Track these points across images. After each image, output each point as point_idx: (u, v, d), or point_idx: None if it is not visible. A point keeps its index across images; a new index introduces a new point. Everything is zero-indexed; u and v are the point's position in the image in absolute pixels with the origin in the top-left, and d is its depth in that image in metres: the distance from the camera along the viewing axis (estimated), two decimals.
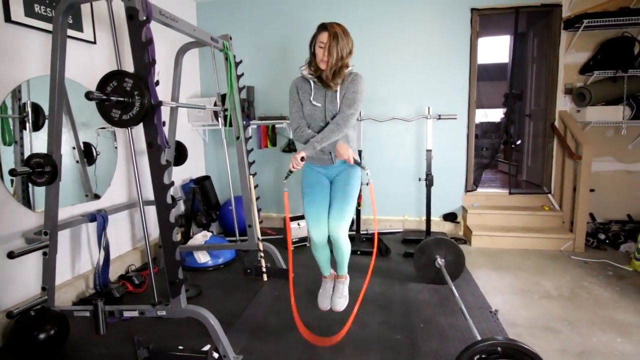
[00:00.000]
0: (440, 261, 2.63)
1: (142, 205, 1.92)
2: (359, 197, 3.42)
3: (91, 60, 2.67)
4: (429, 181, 3.27)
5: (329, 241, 2.09)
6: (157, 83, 1.77)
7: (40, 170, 1.87)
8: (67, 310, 2.02)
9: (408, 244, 3.59)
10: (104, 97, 1.62)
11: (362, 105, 2.08)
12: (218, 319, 1.89)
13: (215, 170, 4.29)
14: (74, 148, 2.97)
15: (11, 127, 2.44)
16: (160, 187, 1.81)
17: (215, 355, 1.85)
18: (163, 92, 2.94)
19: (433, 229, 3.85)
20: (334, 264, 2.28)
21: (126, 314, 1.96)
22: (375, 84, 3.79)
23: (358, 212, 3.61)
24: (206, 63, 4.11)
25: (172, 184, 1.84)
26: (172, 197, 3.05)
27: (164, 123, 1.80)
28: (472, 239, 3.55)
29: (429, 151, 3.29)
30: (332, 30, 1.88)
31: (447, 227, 3.95)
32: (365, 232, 3.89)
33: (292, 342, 2.03)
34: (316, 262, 2.26)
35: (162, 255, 3.11)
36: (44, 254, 2.00)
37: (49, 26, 2.28)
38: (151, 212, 3.05)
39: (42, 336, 1.85)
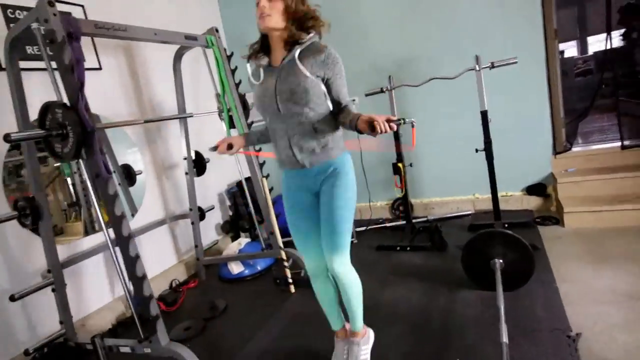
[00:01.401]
0: (498, 262, 1.99)
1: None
2: (402, 179, 2.88)
3: (101, 86, 2.69)
4: (488, 151, 2.53)
5: None
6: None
7: (25, 213, 1.91)
8: (80, 344, 2.07)
9: (476, 231, 2.89)
10: (24, 137, 1.51)
11: None
12: (228, 344, 1.83)
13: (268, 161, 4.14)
14: (114, 171, 3.13)
15: None
16: (116, 218, 1.66)
17: None
18: (187, 102, 2.88)
19: (514, 206, 3.07)
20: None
21: (122, 349, 1.91)
22: (408, 40, 3.12)
23: (405, 197, 3.05)
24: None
25: (123, 215, 1.67)
26: (200, 208, 3.05)
27: (100, 150, 1.62)
28: (565, 218, 2.69)
29: (484, 113, 2.54)
30: None
31: (533, 203, 3.09)
32: (424, 219, 3.31)
33: None
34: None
35: (201, 268, 3.15)
36: (53, 290, 2.06)
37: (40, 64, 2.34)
38: (187, 226, 3.05)
39: None
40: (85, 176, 1.80)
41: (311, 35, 1.43)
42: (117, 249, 1.77)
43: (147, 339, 1.79)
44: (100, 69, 2.70)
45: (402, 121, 1.32)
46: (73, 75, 1.56)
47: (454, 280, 2.24)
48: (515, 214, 3.05)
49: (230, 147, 1.63)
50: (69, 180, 3.02)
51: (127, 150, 3.02)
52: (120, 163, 3.05)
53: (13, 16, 2.24)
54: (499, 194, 3.03)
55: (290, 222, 1.63)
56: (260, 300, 2.55)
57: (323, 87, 1.42)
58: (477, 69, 2.47)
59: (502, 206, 3.06)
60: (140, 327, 1.82)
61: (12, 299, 1.91)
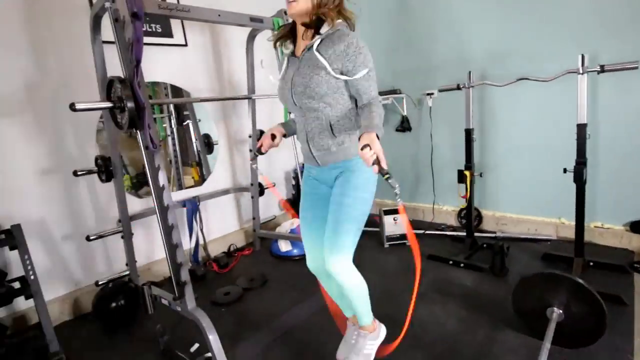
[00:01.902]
0: (556, 312, 1.57)
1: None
2: (467, 189, 2.47)
3: (185, 62, 2.81)
4: (578, 174, 1.98)
5: None
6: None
7: (102, 170, 2.09)
8: (138, 287, 2.26)
9: (550, 262, 2.36)
10: (87, 107, 1.60)
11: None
12: (260, 315, 1.84)
13: None
14: (196, 139, 3.34)
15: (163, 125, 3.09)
16: (158, 189, 1.70)
17: None
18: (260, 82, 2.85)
19: (610, 242, 2.45)
20: None
21: (162, 301, 2.02)
22: (499, 32, 2.57)
23: (469, 208, 2.61)
24: None
25: (164, 187, 1.70)
26: (260, 185, 3.05)
27: (149, 125, 1.65)
28: None
29: (581, 127, 1.97)
30: None
31: (636, 243, 2.39)
32: (492, 234, 2.84)
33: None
34: None
35: (256, 239, 3.20)
36: (122, 237, 2.27)
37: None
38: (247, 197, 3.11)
39: (113, 305, 2.14)
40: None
41: (338, 22, 1.22)
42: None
43: (179, 299, 1.86)
44: (186, 45, 2.80)
45: (386, 176, 1.03)
46: (132, 53, 1.59)
47: (502, 316, 1.85)
48: (609, 252, 2.40)
49: (273, 137, 1.51)
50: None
51: (208, 121, 3.16)
52: (202, 132, 3.23)
53: None
54: (592, 224, 2.44)
55: (300, 212, 1.50)
56: (301, 280, 2.47)
57: (342, 82, 1.23)
58: (581, 71, 1.90)
59: (594, 239, 2.47)
60: (176, 287, 1.89)
61: (87, 239, 2.16)
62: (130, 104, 1.61)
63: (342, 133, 1.29)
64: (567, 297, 1.55)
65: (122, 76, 1.64)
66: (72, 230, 2.33)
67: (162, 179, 1.69)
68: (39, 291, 1.94)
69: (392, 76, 3.31)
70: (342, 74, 1.21)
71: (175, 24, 2.73)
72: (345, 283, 1.36)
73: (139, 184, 3.24)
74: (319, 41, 1.22)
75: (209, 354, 1.66)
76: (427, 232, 3.04)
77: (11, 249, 1.93)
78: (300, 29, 1.30)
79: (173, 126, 3.36)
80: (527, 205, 2.80)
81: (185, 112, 3.20)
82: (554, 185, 2.54)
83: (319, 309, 2.12)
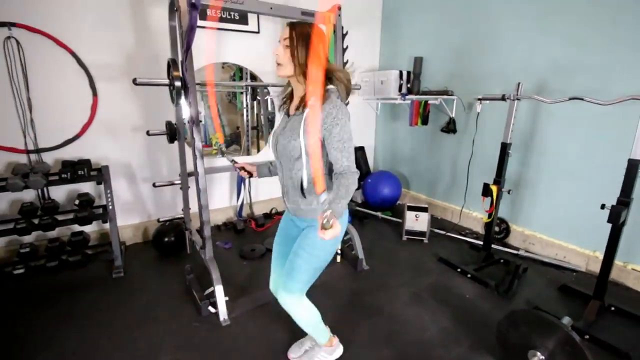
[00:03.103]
0: (539, 356, 1.29)
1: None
2: (493, 203, 2.12)
3: (256, 47, 2.79)
4: (616, 213, 1.52)
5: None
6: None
7: (168, 133, 2.22)
8: (188, 229, 2.44)
9: (566, 295, 1.94)
10: (146, 82, 1.67)
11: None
12: (263, 278, 1.78)
13: (385, 142, 3.72)
14: (262, 114, 3.40)
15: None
16: (194, 158, 1.75)
17: (212, 309, 1.77)
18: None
19: None
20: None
21: (196, 245, 2.15)
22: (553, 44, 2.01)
23: (491, 223, 2.23)
24: (389, 34, 3.42)
25: (199, 156, 1.73)
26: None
27: (191, 103, 1.67)
28: None
29: (633, 162, 1.49)
30: (299, 29, 1.09)
31: None
32: (515, 251, 2.43)
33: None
34: None
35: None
36: (180, 188, 2.44)
37: (216, 24, 2.55)
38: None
39: (166, 239, 2.36)
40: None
41: (330, 88, 1.10)
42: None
43: (202, 248, 1.96)
44: (258, 32, 2.76)
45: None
46: (185, 38, 1.59)
47: (487, 340, 1.59)
48: (639, 299, 1.88)
49: (245, 170, 1.43)
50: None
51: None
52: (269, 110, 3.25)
53: None
54: (629, 266, 1.94)
55: (274, 240, 1.40)
56: None
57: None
58: None
59: (627, 282, 1.98)
60: (201, 239, 1.97)
61: (154, 185, 2.37)
62: (177, 83, 1.64)
63: (311, 195, 1.16)
64: (554, 346, 1.25)
65: (173, 58, 1.66)
66: (150, 175, 2.57)
67: (197, 150, 1.73)
68: (114, 218, 2.21)
69: (447, 77, 2.89)
70: (319, 140, 1.08)
71: (252, 14, 2.70)
72: (293, 316, 1.30)
73: (230, 142, 3.46)
74: (308, 109, 1.08)
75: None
76: (449, 234, 2.72)
77: (98, 183, 2.21)
78: (294, 89, 1.17)
79: (248, 101, 3.45)
80: (560, 229, 2.31)
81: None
82: (595, 214, 2.01)
83: (320, 283, 2.07)
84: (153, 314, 1.77)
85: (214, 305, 1.75)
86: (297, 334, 1.58)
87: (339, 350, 1.49)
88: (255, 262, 2.32)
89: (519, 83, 1.94)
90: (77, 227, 2.24)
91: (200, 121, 2.07)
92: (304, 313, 1.30)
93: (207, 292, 1.86)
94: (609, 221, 1.55)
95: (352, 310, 1.80)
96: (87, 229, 2.32)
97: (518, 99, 1.93)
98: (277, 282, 1.35)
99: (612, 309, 1.75)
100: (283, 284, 1.24)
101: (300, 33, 1.08)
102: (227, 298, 1.77)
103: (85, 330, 1.65)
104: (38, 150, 2.15)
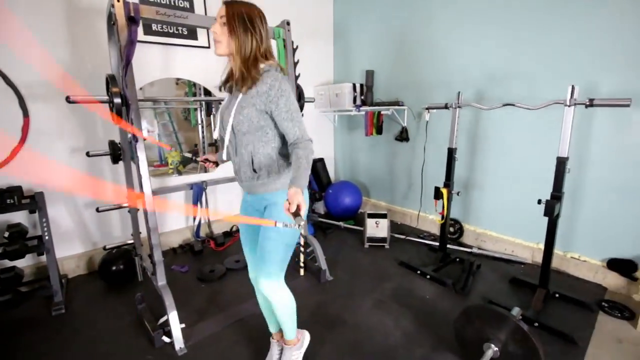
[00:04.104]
0: (492, 349, 1.34)
1: None
2: (444, 206, 2.22)
3: (206, 62, 2.74)
4: (550, 207, 1.67)
5: None
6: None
7: (111, 153, 2.09)
8: (136, 256, 2.28)
9: (516, 287, 2.07)
10: (81, 100, 1.56)
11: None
12: (224, 299, 1.83)
13: (344, 153, 3.79)
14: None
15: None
16: (140, 177, 1.65)
17: (166, 338, 1.65)
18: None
19: (585, 275, 2.11)
20: None
21: (148, 272, 2.01)
22: (488, 53, 2.21)
23: (444, 225, 2.34)
24: (341, 48, 3.54)
25: (143, 176, 1.64)
26: None
27: (131, 120, 1.59)
28: None
29: (560, 160, 1.65)
30: (236, 7, 1.10)
31: (610, 281, 2.02)
32: (468, 249, 2.55)
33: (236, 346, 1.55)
34: None
35: None
36: (128, 211, 2.29)
37: (164, 40, 2.47)
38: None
39: (113, 268, 2.18)
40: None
41: (268, 63, 1.13)
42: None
43: (153, 274, 1.84)
44: (208, 47, 2.72)
45: (297, 225, 0.94)
46: (123, 53, 1.52)
47: (447, 337, 1.64)
48: (579, 285, 2.06)
49: (209, 161, 1.45)
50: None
51: None
52: None
53: None
54: (568, 254, 2.12)
55: (240, 229, 1.38)
56: None
57: (264, 121, 1.12)
58: (568, 103, 1.57)
59: (569, 270, 2.14)
60: (152, 265, 1.84)
61: (97, 210, 2.19)
62: (117, 100, 1.56)
63: (262, 169, 1.17)
64: (506, 336, 1.32)
65: (111, 74, 1.58)
66: (93, 200, 2.38)
67: (143, 168, 1.64)
68: (51, 249, 2.01)
69: (397, 88, 3.03)
70: (266, 113, 1.10)
71: (201, 28, 2.66)
72: (274, 302, 1.28)
73: (187, 160, 3.31)
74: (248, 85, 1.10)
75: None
76: (408, 237, 2.80)
77: (31, 212, 2.00)
78: (234, 66, 1.16)
79: (203, 117, 3.36)
80: (507, 226, 2.48)
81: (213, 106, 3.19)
82: (535, 209, 2.20)
83: None
84: (100, 350, 1.61)
85: (169, 334, 1.64)
86: (261, 353, 1.52)
87: (307, 337, 1.50)
88: (214, 284, 2.21)
89: (459, 92, 2.09)
90: (8, 263, 2.00)
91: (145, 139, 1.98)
92: (285, 299, 1.29)
93: (160, 321, 1.74)
94: (545, 214, 1.68)
95: (317, 323, 1.77)
96: (21, 263, 2.09)
97: (459, 107, 2.07)
98: (254, 270, 1.31)
99: (557, 295, 1.90)
100: (261, 272, 1.22)
101: (237, 10, 1.09)
102: (183, 325, 1.67)
103: None
104: None
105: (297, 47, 2.17)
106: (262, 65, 1.13)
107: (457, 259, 2.40)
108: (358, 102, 3.17)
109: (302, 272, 2.30)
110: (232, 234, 3.01)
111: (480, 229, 2.64)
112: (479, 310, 1.42)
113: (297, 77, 2.20)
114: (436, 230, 2.93)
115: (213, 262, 2.48)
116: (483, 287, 2.08)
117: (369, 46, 3.23)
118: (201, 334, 1.71)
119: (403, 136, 3.02)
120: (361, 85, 3.21)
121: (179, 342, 1.61)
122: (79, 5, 2.15)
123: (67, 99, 1.54)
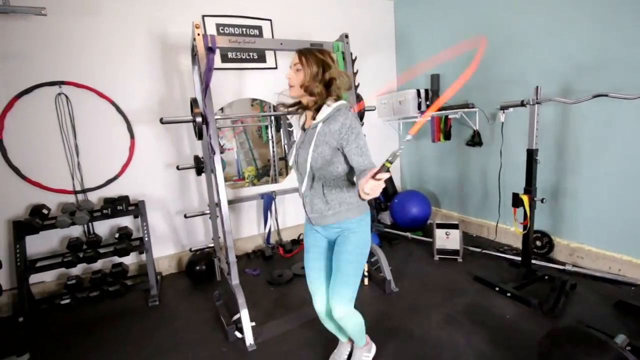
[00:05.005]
0: None
1: None
2: (526, 215, 2.00)
3: (275, 81, 2.97)
4: None
5: None
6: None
7: (195, 167, 2.39)
8: (215, 257, 2.53)
9: (623, 312, 1.73)
10: (171, 120, 1.84)
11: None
12: (291, 302, 1.95)
13: (410, 161, 3.69)
14: (285, 143, 3.55)
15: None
16: (216, 187, 1.86)
17: (239, 334, 1.79)
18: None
19: None
20: None
21: (225, 272, 2.21)
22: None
23: (527, 236, 2.08)
24: (404, 55, 3.49)
25: (218, 185, 1.83)
26: None
27: (210, 136, 1.80)
28: None
29: None
30: (307, 54, 1.23)
31: None
32: (560, 266, 2.23)
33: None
34: None
35: None
36: (210, 218, 2.57)
37: (238, 65, 2.78)
38: None
39: (197, 268, 2.46)
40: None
41: (338, 104, 1.22)
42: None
43: (228, 274, 2.02)
44: (276, 68, 2.95)
45: (389, 162, 0.89)
46: (203, 79, 1.76)
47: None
48: None
49: None
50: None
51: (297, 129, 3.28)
52: (292, 138, 3.37)
53: (222, 30, 2.70)
54: None
55: (306, 262, 1.41)
56: None
57: (336, 157, 1.21)
58: None
59: None
60: (227, 265, 2.03)
61: (185, 216, 2.51)
62: (198, 119, 1.80)
63: (334, 200, 1.25)
64: None
65: (194, 97, 1.83)
66: (183, 207, 2.75)
67: (219, 179, 1.84)
68: (149, 250, 2.37)
69: (465, 90, 2.85)
70: (337, 150, 1.20)
71: (269, 52, 2.91)
72: (346, 326, 1.34)
73: (261, 175, 3.64)
74: (321, 123, 1.21)
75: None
76: (485, 251, 2.56)
77: (135, 217, 2.40)
78: (307, 105, 1.28)
79: (273, 133, 3.64)
80: (611, 240, 2.10)
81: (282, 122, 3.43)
82: None
83: None
84: (184, 339, 1.83)
85: (241, 330, 1.78)
86: (326, 356, 1.56)
87: (374, 348, 1.55)
88: (282, 288, 2.33)
89: (537, 87, 1.88)
90: (117, 259, 2.42)
91: (223, 152, 2.26)
92: (356, 320, 1.35)
93: (234, 317, 1.90)
94: None
95: (380, 333, 1.73)
96: (127, 260, 2.50)
97: (538, 103, 1.86)
98: (323, 299, 1.38)
99: None
100: (336, 297, 1.27)
101: (309, 60, 1.22)
102: (253, 323, 1.79)
103: (119, 355, 1.73)
104: (84, 190, 2.40)
105: (355, 57, 2.23)
106: (334, 105, 1.22)
107: (546, 277, 2.11)
108: (423, 107, 3.07)
109: (366, 281, 2.28)
110: (299, 242, 3.14)
111: (575, 243, 2.28)
112: (570, 332, 1.24)
113: (356, 87, 2.25)
114: (518, 244, 2.62)
115: (282, 267, 2.62)
116: (578, 310, 1.79)
117: (432, 50, 3.12)
118: (270, 333, 1.81)
119: (475, 140, 2.81)
120: (426, 91, 3.11)
121: (249, 338, 1.73)
122: (167, 42, 2.55)
123: (161, 121, 1.83)
